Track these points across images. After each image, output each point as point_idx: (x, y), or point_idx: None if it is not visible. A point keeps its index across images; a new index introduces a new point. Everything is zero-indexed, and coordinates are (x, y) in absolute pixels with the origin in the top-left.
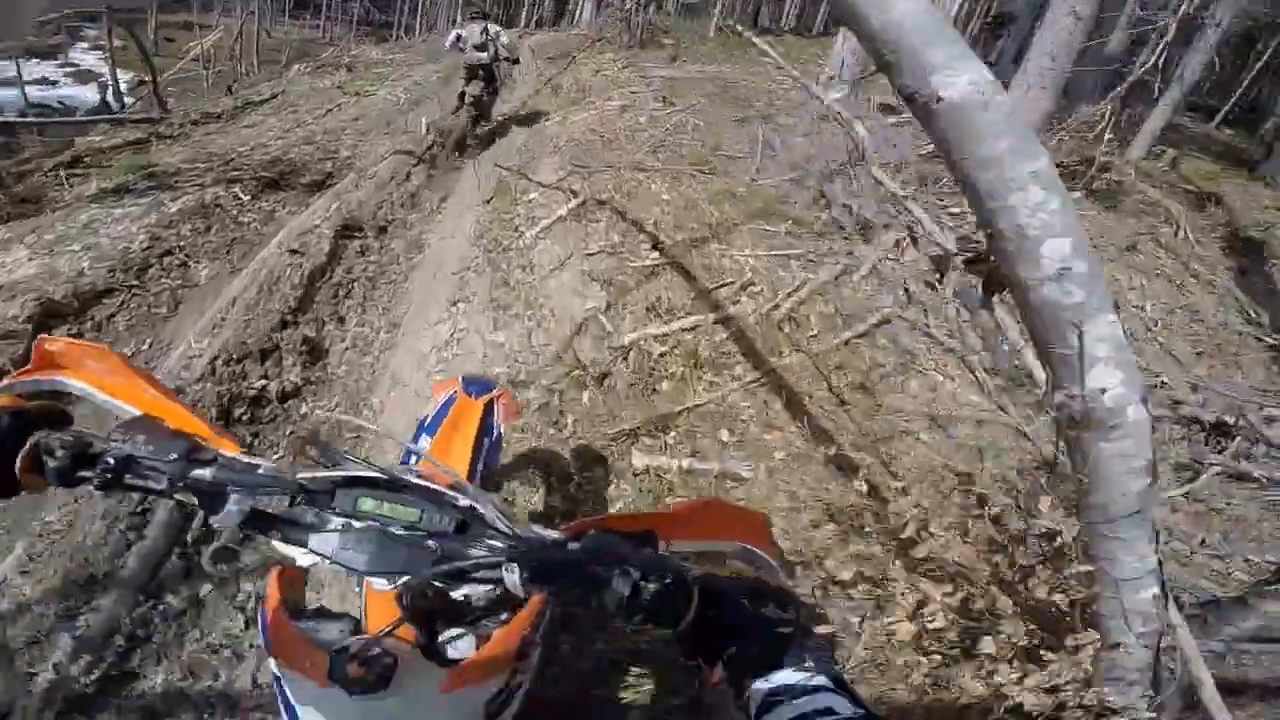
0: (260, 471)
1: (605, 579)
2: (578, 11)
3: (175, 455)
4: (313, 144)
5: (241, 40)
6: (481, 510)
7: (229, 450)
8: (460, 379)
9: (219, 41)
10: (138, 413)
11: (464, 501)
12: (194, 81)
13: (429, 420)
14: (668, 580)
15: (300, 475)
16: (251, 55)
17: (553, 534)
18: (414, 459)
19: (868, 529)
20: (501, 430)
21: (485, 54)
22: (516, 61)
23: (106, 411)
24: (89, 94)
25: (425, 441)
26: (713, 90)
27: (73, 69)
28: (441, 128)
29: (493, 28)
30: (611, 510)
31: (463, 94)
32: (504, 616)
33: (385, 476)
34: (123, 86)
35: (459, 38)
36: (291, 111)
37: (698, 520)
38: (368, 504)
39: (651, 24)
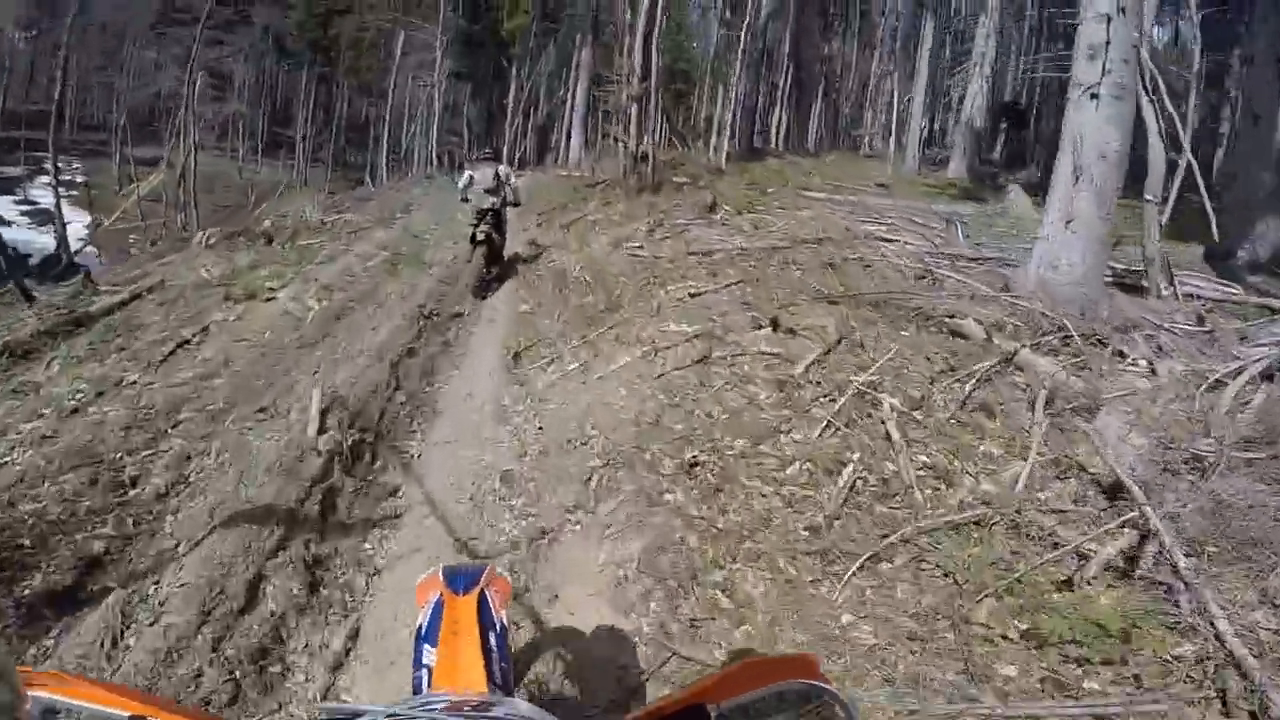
0: None
1: None
2: (561, 146)
3: None
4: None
5: (183, 184)
6: None
7: None
8: (441, 575)
9: (160, 184)
10: (127, 715)
11: (503, 716)
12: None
13: (424, 629)
14: None
15: None
16: (189, 204)
17: None
18: (426, 683)
19: None
20: (504, 620)
21: (495, 198)
22: (517, 204)
23: None
24: (47, 238)
25: (429, 654)
26: (820, 272)
27: (30, 207)
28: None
29: (504, 169)
30: None
31: (474, 237)
32: None
33: None
34: (81, 231)
35: (470, 180)
36: (117, 353)
37: (743, 679)
38: None
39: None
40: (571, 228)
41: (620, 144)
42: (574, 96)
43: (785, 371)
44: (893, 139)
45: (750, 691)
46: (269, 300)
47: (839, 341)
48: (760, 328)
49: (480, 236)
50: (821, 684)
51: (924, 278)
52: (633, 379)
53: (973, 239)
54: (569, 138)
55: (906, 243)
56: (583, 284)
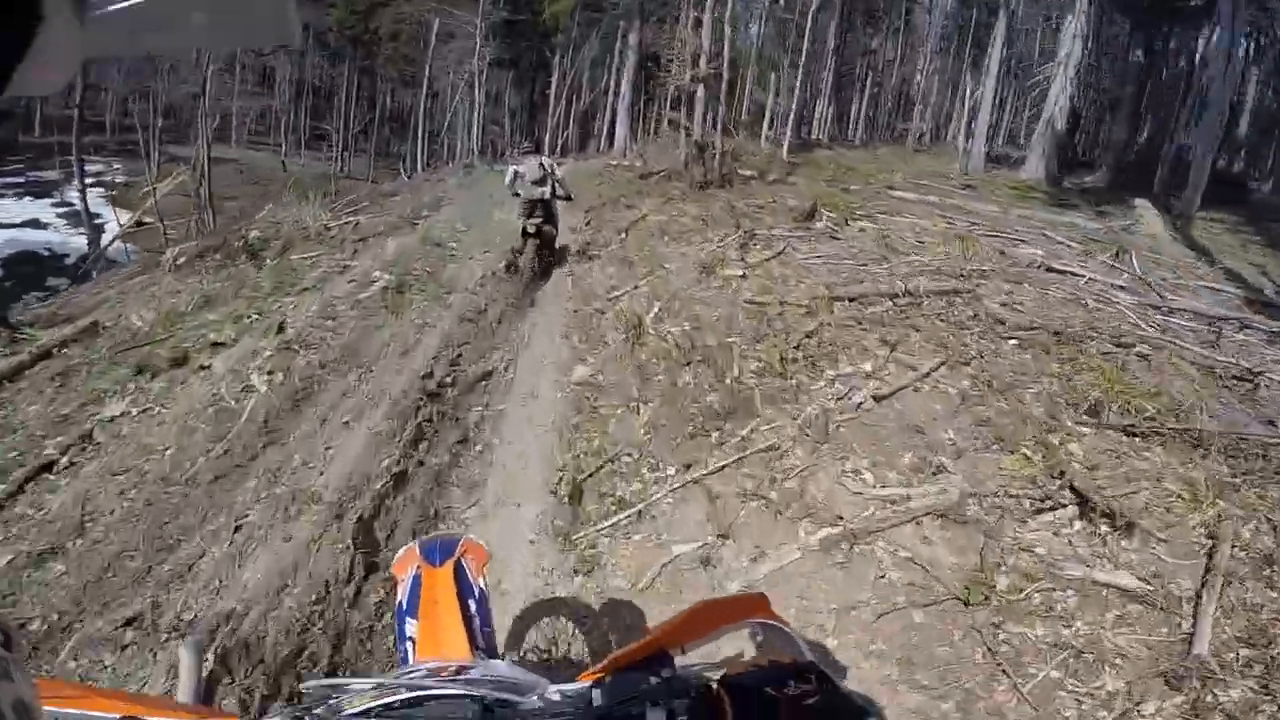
0: None
1: (640, 714)
2: (604, 134)
3: None
4: None
5: (202, 182)
6: (500, 695)
7: None
8: (418, 548)
9: (183, 183)
10: (117, 717)
11: (479, 678)
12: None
13: (404, 603)
14: (694, 696)
15: None
16: (205, 204)
17: (575, 687)
18: (411, 655)
19: None
20: (483, 585)
21: (545, 188)
22: (569, 198)
23: None
24: (81, 239)
25: (411, 626)
26: (1059, 351)
27: (67, 209)
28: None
29: (548, 161)
30: None
31: (524, 229)
32: None
33: (396, 700)
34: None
35: (516, 175)
36: None
37: (699, 622)
38: None
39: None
40: (631, 232)
41: (682, 131)
42: (620, 82)
43: (1163, 637)
44: (960, 135)
45: (709, 633)
46: (202, 370)
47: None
48: (1049, 505)
49: (531, 229)
50: (774, 621)
51: (1248, 380)
52: (818, 606)
53: (1143, 271)
54: (613, 126)
55: (1093, 277)
56: (671, 346)
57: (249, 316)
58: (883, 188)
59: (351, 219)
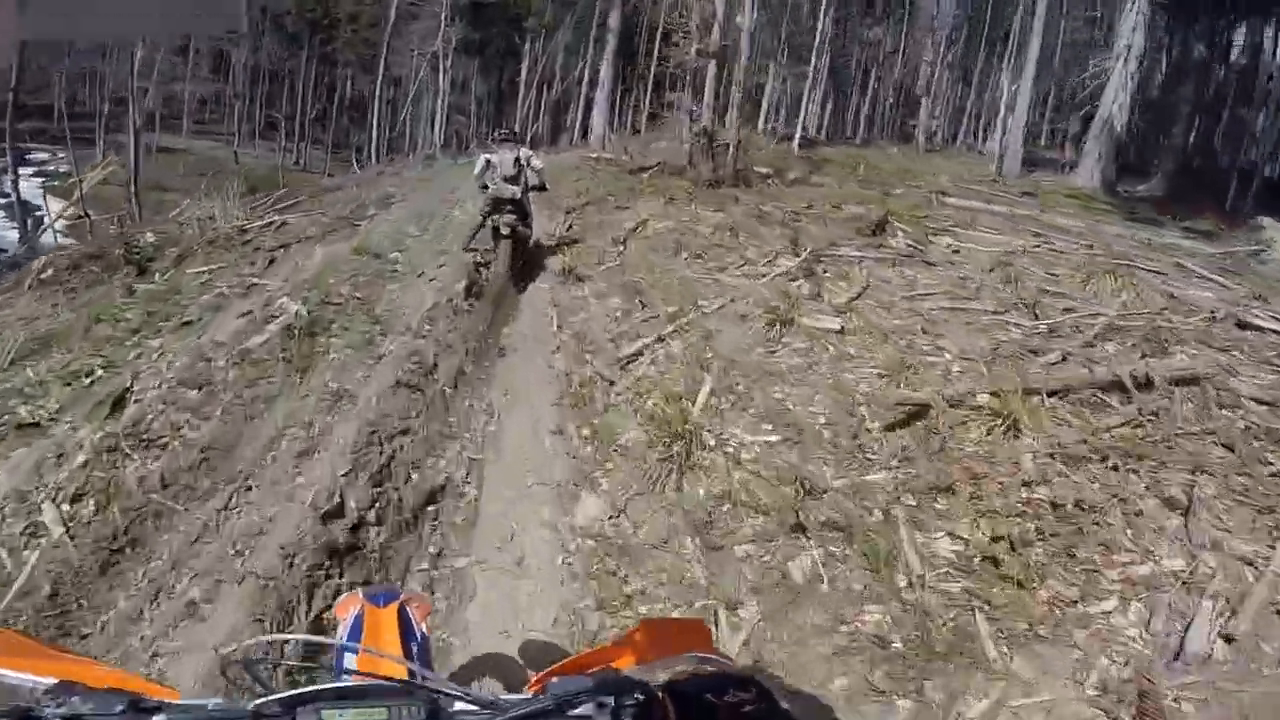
0: (210, 708)
1: (585, 717)
2: (577, 126)
3: (120, 708)
4: None
5: (134, 174)
6: (446, 690)
7: (170, 698)
8: (361, 593)
9: (112, 174)
10: (54, 681)
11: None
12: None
13: (346, 638)
14: (639, 696)
15: (253, 703)
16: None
17: (520, 695)
18: (351, 658)
19: None
20: (425, 631)
21: (516, 186)
22: (544, 189)
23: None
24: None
25: (350, 660)
26: None
27: (4, 200)
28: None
29: (525, 152)
30: None
31: (495, 228)
32: None
33: (341, 685)
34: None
35: (488, 164)
36: None
37: (642, 642)
38: (332, 716)
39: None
40: (631, 244)
41: (687, 116)
42: (599, 69)
43: None
44: (977, 136)
45: (649, 659)
46: None
47: None
48: None
49: (505, 230)
50: (713, 655)
51: None
52: None
53: None
54: (589, 116)
55: None
56: (753, 478)
57: (88, 374)
58: (932, 193)
59: (278, 218)
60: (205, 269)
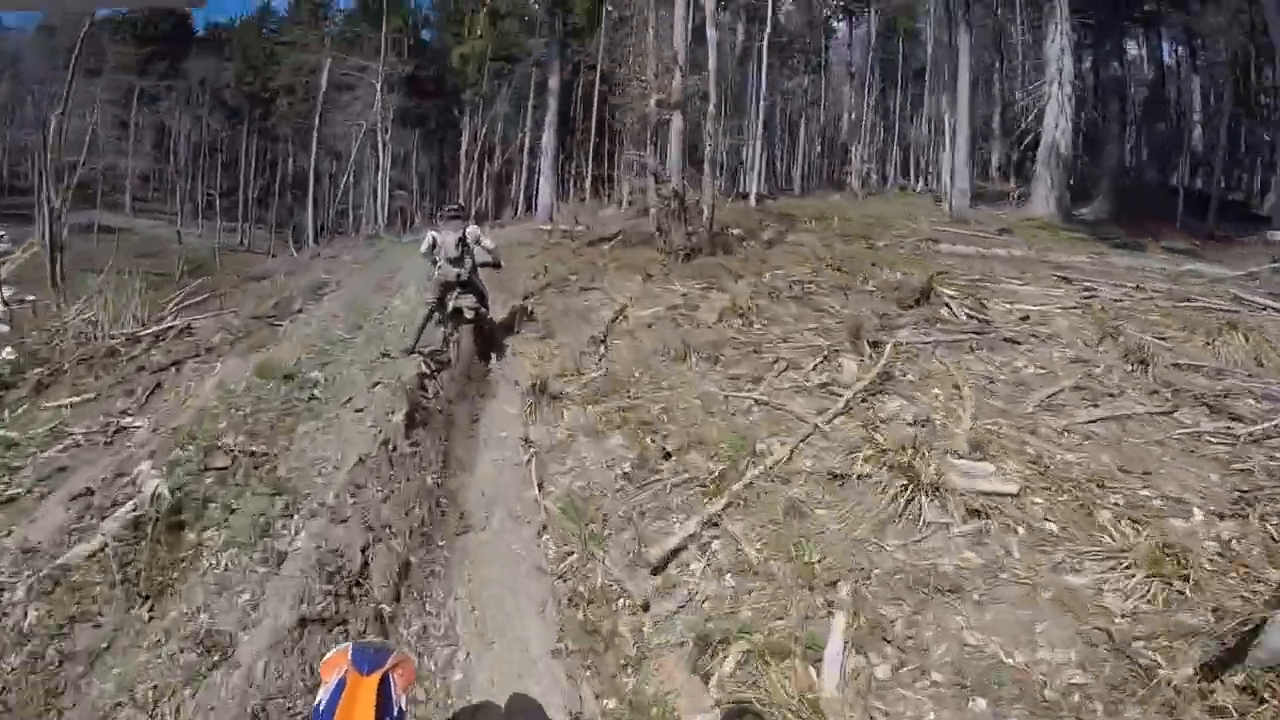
0: None
1: None
2: (520, 198)
3: None
4: None
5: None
6: None
7: None
8: (350, 651)
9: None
10: None
11: None
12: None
13: (322, 704)
14: None
15: None
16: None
17: None
18: None
19: None
20: (403, 706)
21: (461, 269)
22: (498, 266)
23: None
24: None
25: None
26: None
27: None
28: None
29: (472, 231)
30: None
31: (455, 310)
32: None
33: None
34: None
35: (434, 243)
36: None
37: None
38: None
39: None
40: (614, 340)
41: (654, 178)
42: (541, 137)
43: None
44: (942, 172)
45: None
46: None
47: None
48: None
49: (468, 314)
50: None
51: None
52: None
53: None
54: (533, 187)
55: None
56: None
57: None
58: (920, 241)
59: (181, 321)
60: (68, 401)
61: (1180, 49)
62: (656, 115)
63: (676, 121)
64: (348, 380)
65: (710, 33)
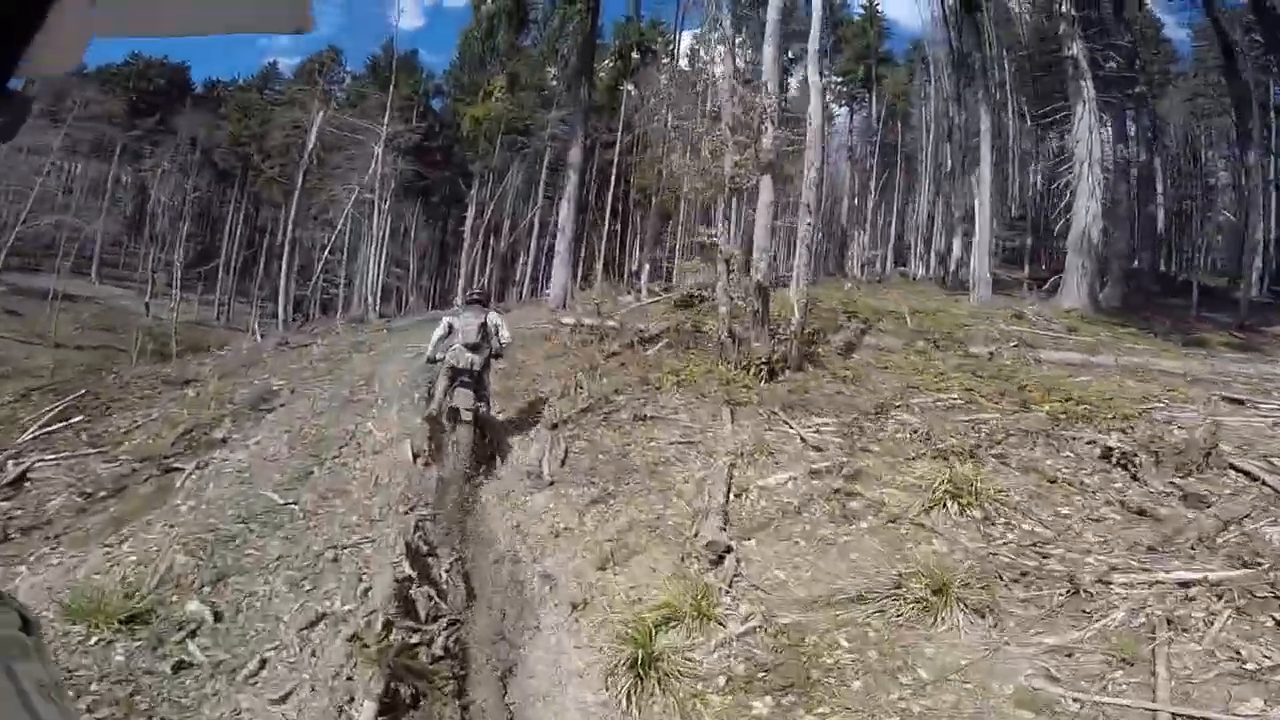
0: None
1: None
2: (526, 280)
3: None
4: None
5: None
6: None
7: None
8: None
9: None
10: None
11: None
12: None
13: None
14: None
15: None
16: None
17: None
18: None
19: None
20: None
21: (477, 356)
22: (499, 356)
23: None
24: None
25: None
26: None
27: None
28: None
29: (494, 318)
30: None
31: (456, 413)
32: None
33: None
34: None
35: (450, 329)
36: None
37: None
38: None
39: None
40: (743, 539)
41: (722, 265)
42: (559, 215)
43: None
44: (959, 257)
45: None
46: None
47: None
48: None
49: (466, 415)
50: None
51: None
52: None
53: None
54: (538, 267)
55: None
56: None
57: None
58: (1015, 347)
59: (21, 465)
60: None
61: (1146, 130)
62: (740, 180)
63: (765, 191)
64: (262, 614)
65: (813, 77)
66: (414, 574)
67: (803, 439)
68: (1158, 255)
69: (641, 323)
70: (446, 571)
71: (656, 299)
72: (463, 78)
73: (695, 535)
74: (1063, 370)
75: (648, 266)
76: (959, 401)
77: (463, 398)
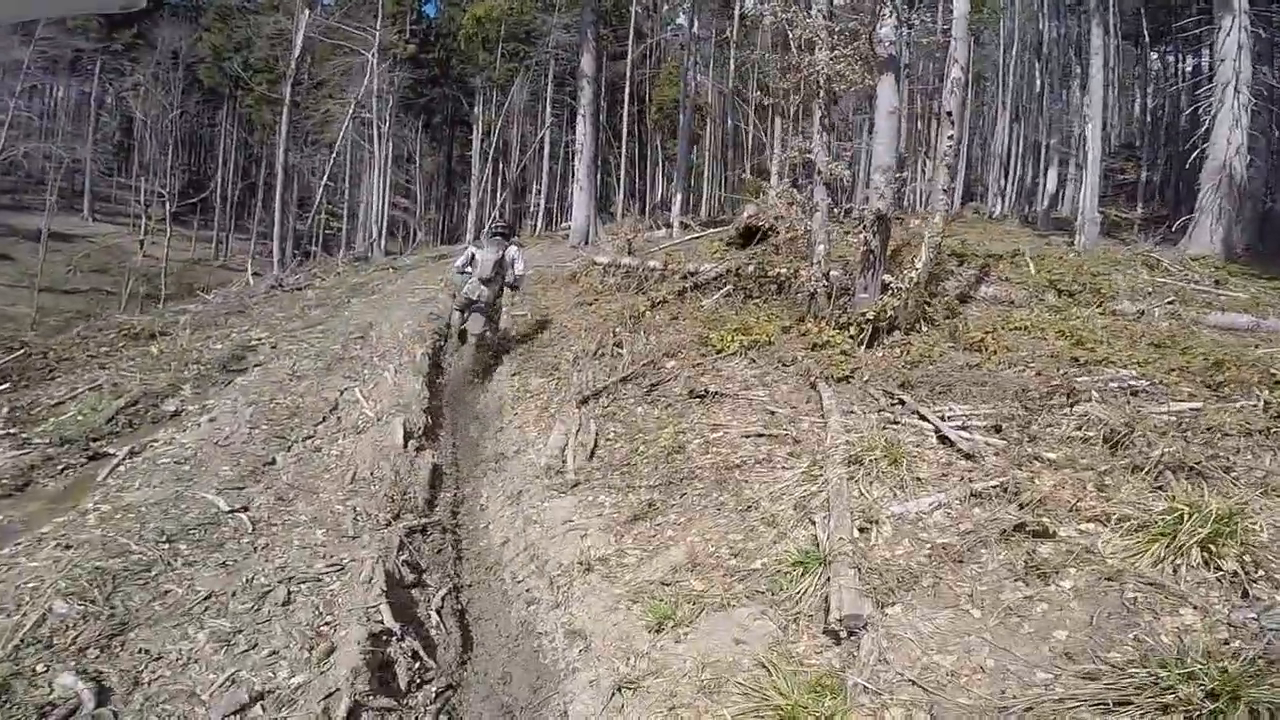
0: None
1: None
2: (540, 211)
3: None
4: None
5: None
6: None
7: None
8: None
9: None
10: None
11: None
12: None
13: None
14: None
15: None
16: None
17: None
18: None
19: None
20: None
21: (489, 290)
22: (516, 288)
23: None
24: None
25: None
26: None
27: None
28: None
29: (512, 253)
30: None
31: (462, 335)
32: None
33: None
34: None
35: (472, 258)
36: None
37: None
38: None
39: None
40: (888, 620)
41: (824, 189)
42: (578, 130)
43: None
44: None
45: None
46: None
47: None
48: None
49: (472, 339)
50: None
51: None
52: None
53: None
54: (551, 196)
55: None
56: None
57: None
58: (1164, 304)
59: None
60: None
61: None
62: (829, 85)
63: (887, 94)
64: (171, 691)
65: None
66: (395, 626)
67: (943, 438)
68: None
69: (691, 264)
70: (438, 611)
71: (695, 234)
72: None
73: (807, 590)
74: (1232, 337)
75: (679, 196)
76: (1143, 384)
77: (475, 323)
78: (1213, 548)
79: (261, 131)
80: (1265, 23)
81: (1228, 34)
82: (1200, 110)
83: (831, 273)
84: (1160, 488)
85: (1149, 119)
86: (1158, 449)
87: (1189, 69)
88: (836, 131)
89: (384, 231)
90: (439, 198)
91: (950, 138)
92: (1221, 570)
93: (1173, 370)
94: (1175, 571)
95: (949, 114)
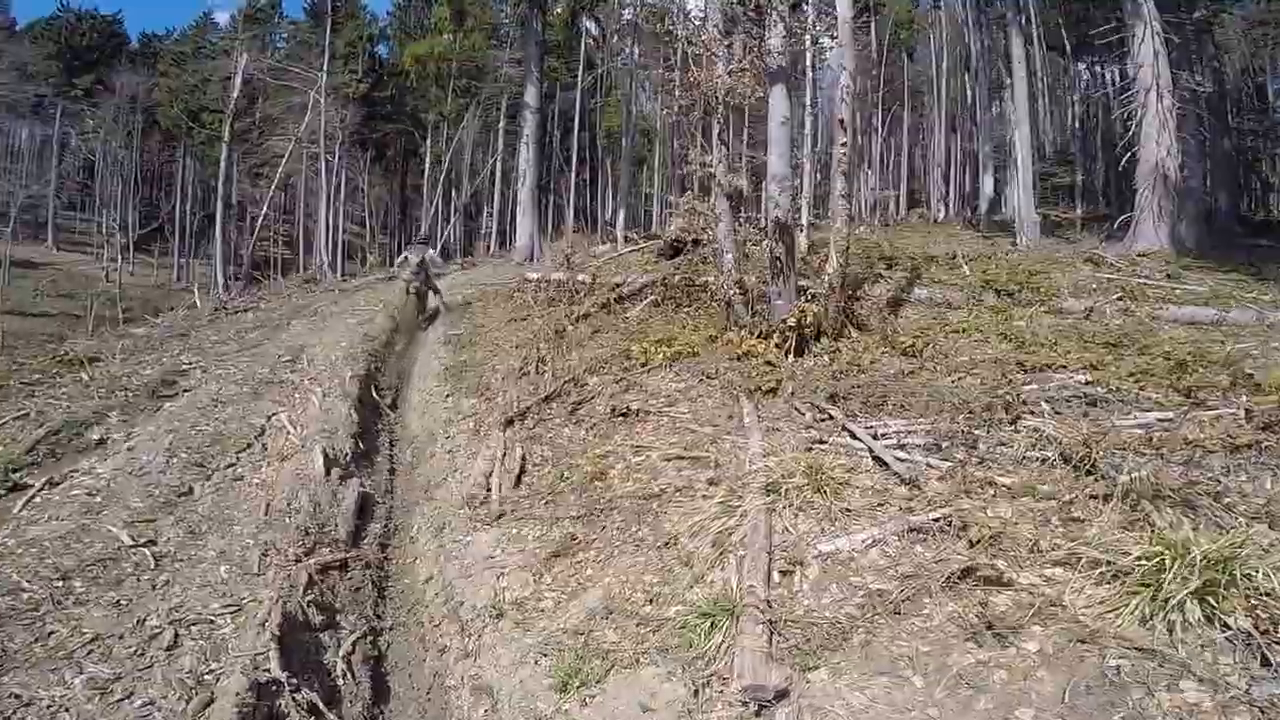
0: None
1: None
2: (493, 233)
3: None
4: None
5: None
6: None
7: None
8: None
9: None
10: None
11: None
12: None
13: None
14: None
15: None
16: None
17: None
18: None
19: None
20: None
21: (416, 279)
22: (436, 291)
23: None
24: None
25: None
26: None
27: None
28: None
29: (430, 254)
30: None
31: (406, 290)
32: None
33: None
34: None
35: (405, 260)
36: None
37: None
38: None
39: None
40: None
41: (726, 200)
42: (519, 160)
43: None
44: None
45: None
46: None
47: None
48: None
49: (411, 291)
50: None
51: None
52: None
53: None
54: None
55: None
56: None
57: None
58: (1111, 300)
59: None
60: None
61: (1211, 59)
62: (728, 98)
63: (778, 104)
64: None
65: None
66: (284, 675)
67: (878, 459)
68: (1238, 193)
69: (619, 276)
70: (346, 658)
71: (636, 247)
72: (407, 19)
73: (718, 648)
74: (1196, 331)
75: (623, 212)
76: (1098, 390)
77: (413, 286)
78: (1213, 600)
79: (214, 166)
80: (1177, 29)
81: (1142, 41)
82: (1128, 116)
83: (746, 280)
84: (1138, 520)
85: (1079, 126)
86: (1126, 471)
87: (1115, 76)
88: (737, 143)
89: (339, 255)
90: (393, 223)
91: (843, 145)
92: (1230, 629)
93: (1133, 374)
94: (1170, 632)
95: (841, 122)
